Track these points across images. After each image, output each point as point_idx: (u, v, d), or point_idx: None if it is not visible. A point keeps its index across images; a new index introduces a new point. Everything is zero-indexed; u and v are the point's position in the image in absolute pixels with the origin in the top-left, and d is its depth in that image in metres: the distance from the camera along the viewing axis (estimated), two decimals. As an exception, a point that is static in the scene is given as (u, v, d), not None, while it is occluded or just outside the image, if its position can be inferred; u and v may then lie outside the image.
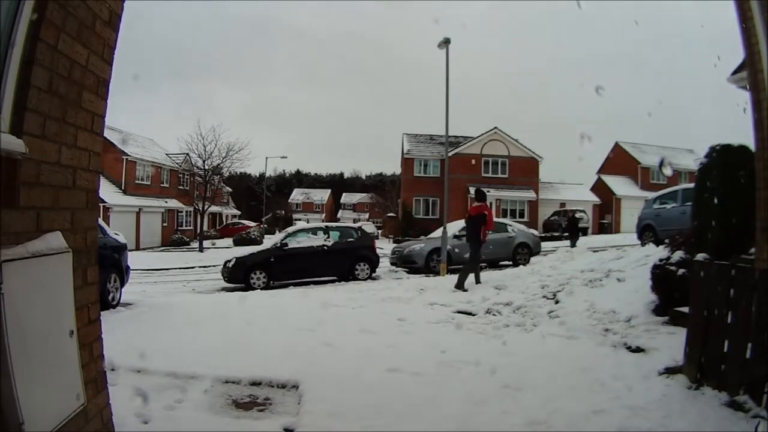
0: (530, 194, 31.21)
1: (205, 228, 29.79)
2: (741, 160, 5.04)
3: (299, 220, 44.60)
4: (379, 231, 36.06)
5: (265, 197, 44.14)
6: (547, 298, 7.23)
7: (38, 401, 1.55)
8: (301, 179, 77.05)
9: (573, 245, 17.13)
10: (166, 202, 32.38)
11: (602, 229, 33.82)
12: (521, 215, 30.02)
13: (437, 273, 12.16)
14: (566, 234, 18.98)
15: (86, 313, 2.02)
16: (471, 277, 8.85)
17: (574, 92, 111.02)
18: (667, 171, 34.98)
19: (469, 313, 6.85)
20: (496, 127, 32.01)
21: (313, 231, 12.92)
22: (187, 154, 29.68)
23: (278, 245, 12.13)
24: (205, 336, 5.46)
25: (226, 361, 4.37)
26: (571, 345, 5.00)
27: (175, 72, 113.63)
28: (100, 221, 7.13)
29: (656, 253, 6.60)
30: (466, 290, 8.34)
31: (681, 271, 5.15)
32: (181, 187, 34.26)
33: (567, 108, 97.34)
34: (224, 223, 43.62)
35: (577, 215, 26.35)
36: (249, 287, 11.28)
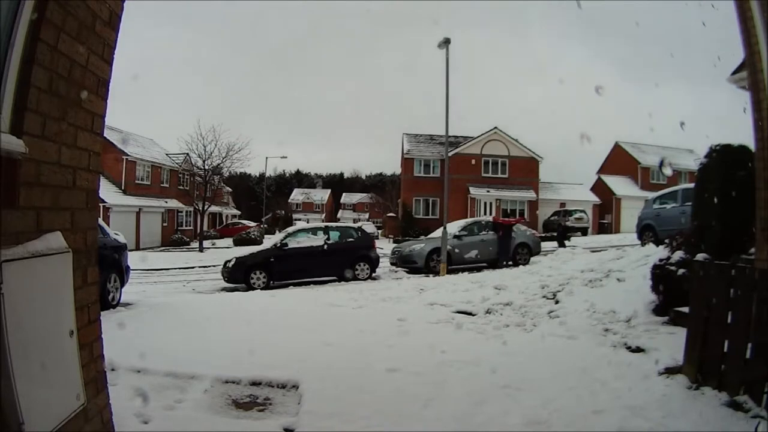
0: (530, 194, 31.20)
1: (205, 228, 29.78)
2: (741, 160, 5.04)
3: (299, 220, 44.60)
4: (379, 231, 36.03)
5: (265, 197, 44.13)
6: (547, 298, 7.24)
7: (38, 401, 1.55)
8: (301, 179, 77.06)
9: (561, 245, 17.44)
10: (166, 202, 32.36)
11: (602, 229, 33.80)
12: (521, 215, 29.99)
13: (437, 273, 12.15)
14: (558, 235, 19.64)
15: (86, 313, 2.02)
16: None
17: (574, 92, 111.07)
18: (667, 171, 34.98)
19: (469, 313, 6.85)
20: (496, 127, 31.98)
21: (313, 231, 12.92)
22: (187, 154, 29.69)
23: (278, 245, 12.13)
24: (205, 336, 5.46)
25: (226, 360, 4.37)
26: (571, 345, 5.00)
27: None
28: (100, 221, 7.13)
29: (656, 253, 6.60)
30: None
31: (681, 271, 5.15)
32: (181, 187, 34.21)
33: (567, 108, 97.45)
34: (224, 223, 43.59)
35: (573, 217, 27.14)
36: (249, 287, 11.28)
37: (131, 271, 8.72)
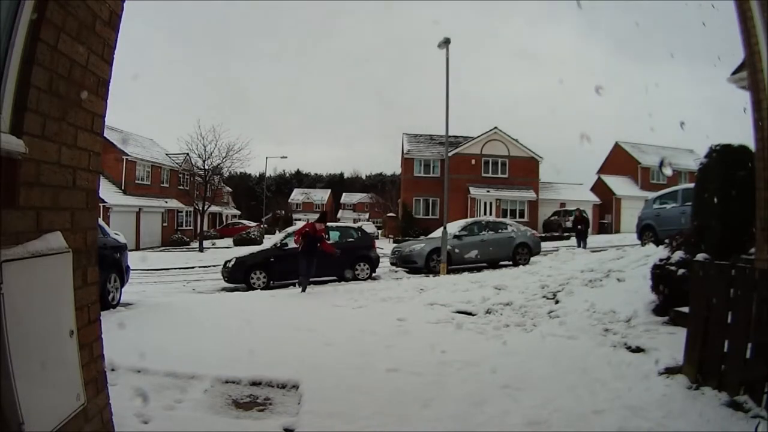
0: (530, 194, 31.19)
1: (205, 228, 29.76)
2: (741, 160, 5.04)
3: (299, 220, 44.60)
4: (379, 231, 36.02)
5: (265, 197, 44.13)
6: (547, 298, 7.23)
7: (38, 401, 1.55)
8: (301, 179, 77.04)
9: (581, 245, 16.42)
10: (166, 202, 32.35)
11: (602, 229, 33.80)
12: (521, 215, 29.98)
13: (437, 273, 12.15)
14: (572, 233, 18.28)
15: (86, 313, 2.02)
16: None
17: (574, 92, 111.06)
18: (667, 171, 34.97)
19: (469, 313, 6.85)
20: (496, 127, 31.97)
21: (313, 231, 12.90)
22: (187, 154, 29.68)
23: (278, 245, 12.12)
24: (205, 336, 5.46)
25: (226, 360, 4.37)
26: (571, 345, 5.00)
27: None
28: (100, 221, 7.13)
29: (656, 253, 6.60)
30: None
31: (681, 271, 5.15)
32: (181, 187, 34.21)
33: (567, 107, 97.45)
34: (224, 223, 43.59)
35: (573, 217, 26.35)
36: (249, 287, 11.28)
37: (131, 271, 8.72)
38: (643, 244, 11.56)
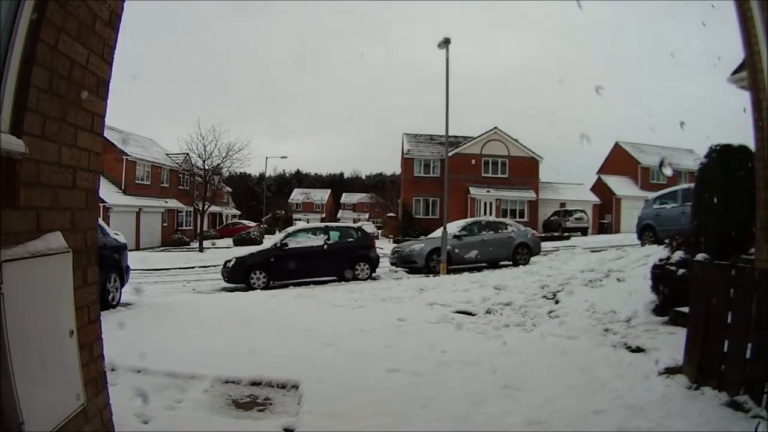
0: (530, 194, 31.19)
1: (205, 228, 29.76)
2: (741, 160, 5.04)
3: (299, 220, 44.59)
4: (379, 231, 36.01)
5: (265, 197, 44.13)
6: (547, 298, 7.23)
7: (38, 401, 1.55)
8: (301, 179, 77.07)
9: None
10: (166, 202, 32.35)
11: (602, 229, 33.82)
12: (521, 215, 29.99)
13: (437, 273, 12.16)
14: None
15: (86, 313, 2.02)
16: None
17: (573, 92, 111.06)
18: (667, 171, 34.97)
19: (469, 313, 6.85)
20: (496, 127, 31.97)
21: (313, 231, 12.91)
22: (187, 154, 29.68)
23: (278, 245, 12.13)
24: (205, 336, 5.46)
25: (226, 360, 4.37)
26: (571, 345, 5.00)
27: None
28: (100, 221, 7.14)
29: (656, 253, 6.60)
30: None
31: (681, 271, 5.15)
32: (181, 187, 34.21)
33: (567, 107, 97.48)
34: (224, 223, 43.60)
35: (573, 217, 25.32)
36: (249, 287, 11.28)
37: (131, 272, 8.71)
38: (643, 244, 11.57)
